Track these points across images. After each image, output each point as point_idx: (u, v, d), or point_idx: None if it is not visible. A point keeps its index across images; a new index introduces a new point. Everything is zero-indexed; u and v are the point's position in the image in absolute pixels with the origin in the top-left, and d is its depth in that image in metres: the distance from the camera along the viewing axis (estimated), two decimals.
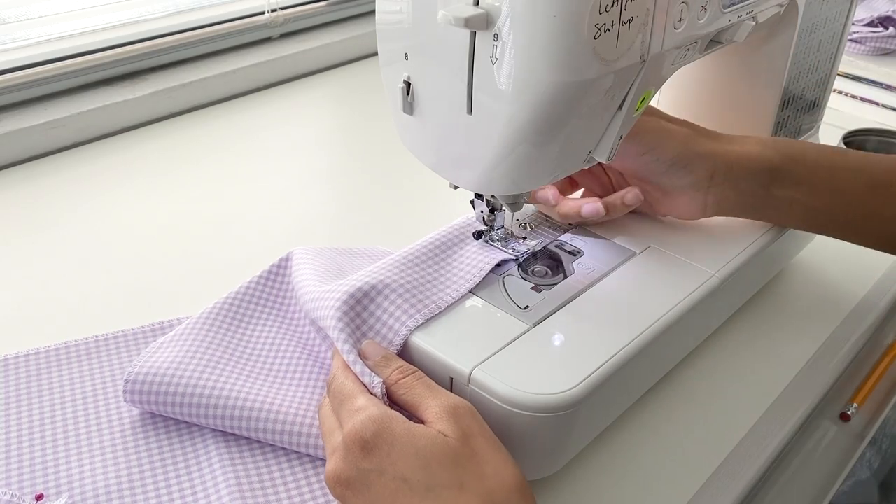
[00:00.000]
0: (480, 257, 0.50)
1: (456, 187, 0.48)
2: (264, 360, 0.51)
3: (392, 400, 0.43)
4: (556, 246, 0.53)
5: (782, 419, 0.52)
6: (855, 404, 0.58)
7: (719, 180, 0.51)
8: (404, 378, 0.43)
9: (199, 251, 0.67)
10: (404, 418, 0.40)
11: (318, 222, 0.73)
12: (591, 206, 0.53)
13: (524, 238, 0.53)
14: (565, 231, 0.55)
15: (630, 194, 0.53)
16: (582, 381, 0.42)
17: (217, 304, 0.54)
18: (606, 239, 0.54)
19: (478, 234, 0.52)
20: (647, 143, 0.50)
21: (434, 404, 0.40)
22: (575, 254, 0.52)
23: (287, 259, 0.56)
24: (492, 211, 0.51)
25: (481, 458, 0.38)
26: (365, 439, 0.39)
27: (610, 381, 0.44)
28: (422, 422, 0.40)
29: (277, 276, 0.56)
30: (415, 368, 0.44)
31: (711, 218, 0.55)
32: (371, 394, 0.42)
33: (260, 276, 0.56)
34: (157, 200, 0.75)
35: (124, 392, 0.48)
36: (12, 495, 0.43)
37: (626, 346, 0.45)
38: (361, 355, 0.45)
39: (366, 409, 0.40)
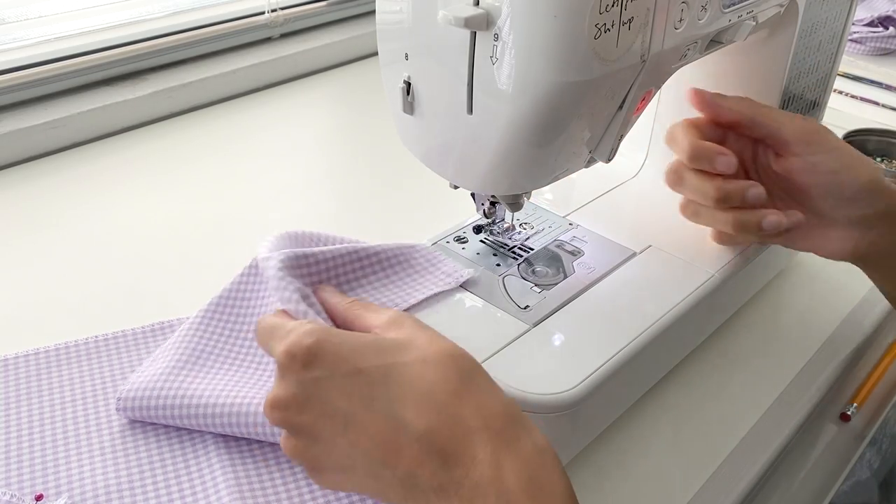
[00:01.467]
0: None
1: (456, 187, 0.48)
2: (252, 358, 0.51)
3: (341, 326, 0.42)
4: (557, 246, 0.53)
5: (782, 419, 0.52)
6: (855, 404, 0.58)
7: (891, 220, 0.48)
8: (353, 303, 0.43)
9: (199, 251, 0.67)
10: (344, 331, 0.39)
11: (318, 222, 0.73)
12: (774, 218, 0.48)
13: (524, 228, 0.53)
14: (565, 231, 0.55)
15: (787, 219, 0.49)
16: (582, 381, 0.42)
17: (202, 309, 0.53)
18: (606, 239, 0.54)
19: (478, 229, 0.52)
20: (844, 161, 0.48)
21: (382, 315, 0.40)
22: (575, 254, 0.52)
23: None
24: (493, 203, 0.51)
25: (429, 336, 0.37)
26: (306, 347, 0.36)
27: (610, 381, 0.44)
28: None
29: (255, 274, 0.54)
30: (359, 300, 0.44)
31: None
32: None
33: (241, 275, 0.54)
34: (157, 200, 0.75)
35: (118, 409, 0.48)
36: (12, 495, 0.43)
37: (626, 346, 0.45)
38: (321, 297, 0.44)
39: (298, 327, 0.37)
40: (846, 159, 0.48)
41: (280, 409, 0.36)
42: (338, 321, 0.42)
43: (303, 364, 0.36)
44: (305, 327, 0.37)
